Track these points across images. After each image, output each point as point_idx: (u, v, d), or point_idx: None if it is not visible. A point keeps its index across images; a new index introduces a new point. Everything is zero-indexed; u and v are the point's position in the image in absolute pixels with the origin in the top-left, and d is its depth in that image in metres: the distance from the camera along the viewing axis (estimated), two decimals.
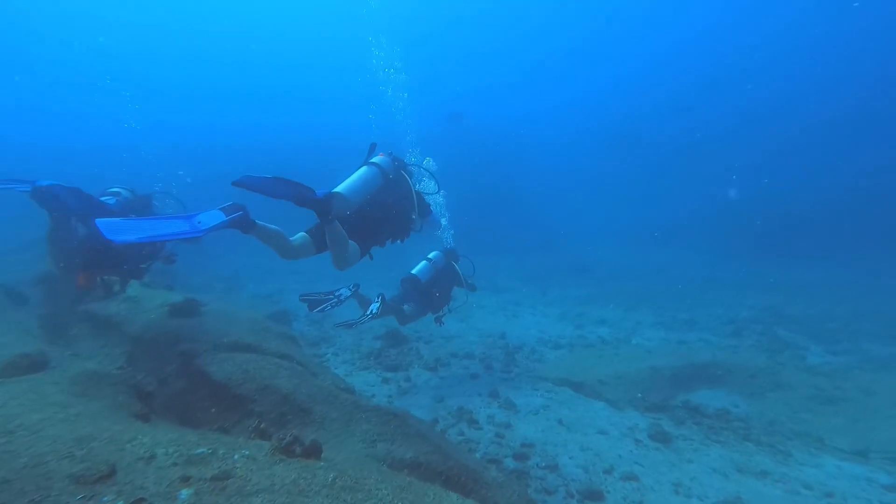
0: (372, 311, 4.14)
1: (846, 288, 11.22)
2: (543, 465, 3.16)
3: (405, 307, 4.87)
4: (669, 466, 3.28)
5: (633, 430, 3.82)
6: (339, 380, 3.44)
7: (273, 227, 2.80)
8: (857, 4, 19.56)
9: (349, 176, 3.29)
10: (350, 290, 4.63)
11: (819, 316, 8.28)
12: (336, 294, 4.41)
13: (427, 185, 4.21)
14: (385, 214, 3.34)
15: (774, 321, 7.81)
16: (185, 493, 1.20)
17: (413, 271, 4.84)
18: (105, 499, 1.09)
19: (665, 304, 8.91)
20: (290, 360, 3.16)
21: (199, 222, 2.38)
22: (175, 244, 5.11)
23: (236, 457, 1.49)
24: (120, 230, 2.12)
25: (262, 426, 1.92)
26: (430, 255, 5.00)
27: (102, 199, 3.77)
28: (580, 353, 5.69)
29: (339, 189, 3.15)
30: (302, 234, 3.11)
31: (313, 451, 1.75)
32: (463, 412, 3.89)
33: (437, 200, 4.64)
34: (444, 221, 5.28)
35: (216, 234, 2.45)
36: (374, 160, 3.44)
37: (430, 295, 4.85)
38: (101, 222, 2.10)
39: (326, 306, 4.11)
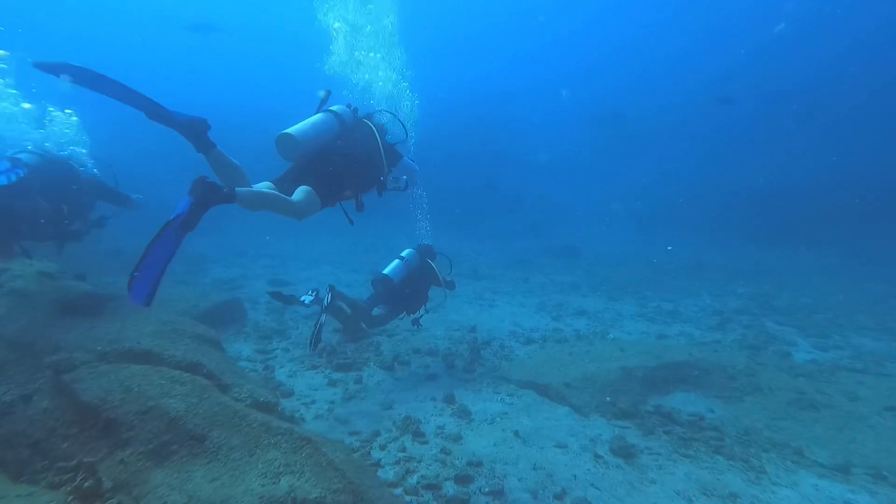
0: (304, 301, 3.95)
1: (840, 275, 10.95)
2: (487, 489, 2.81)
3: (374, 310, 4.50)
4: (629, 489, 2.95)
5: (595, 442, 3.48)
6: (263, 391, 3.05)
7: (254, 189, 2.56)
8: None
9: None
10: (311, 294, 4.29)
11: (810, 306, 7.98)
12: (299, 298, 4.17)
13: (395, 133, 3.82)
14: (346, 162, 3.04)
15: (762, 312, 7.49)
16: None
17: (384, 271, 4.50)
18: None
19: (650, 293, 8.57)
20: (196, 370, 2.75)
21: (176, 217, 2.07)
22: (110, 209, 4.72)
23: None
24: (141, 288, 2.01)
25: (86, 485, 1.52)
26: (404, 253, 4.69)
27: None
28: (551, 349, 5.33)
29: (288, 130, 2.87)
30: (266, 183, 2.81)
31: None
32: (409, 423, 3.53)
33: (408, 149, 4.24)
34: (422, 194, 4.95)
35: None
36: (329, 108, 3.21)
37: (403, 295, 4.54)
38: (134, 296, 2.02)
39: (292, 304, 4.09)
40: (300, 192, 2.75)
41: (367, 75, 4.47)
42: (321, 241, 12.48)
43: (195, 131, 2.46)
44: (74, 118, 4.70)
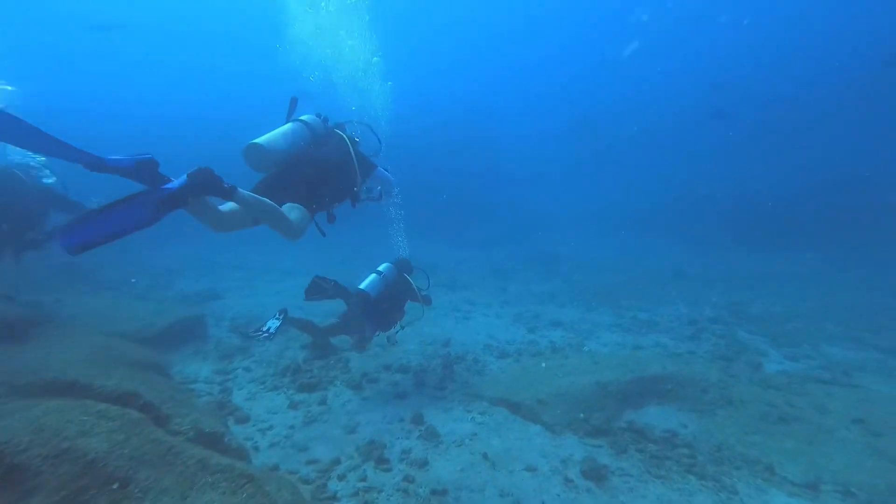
0: (269, 330, 3.69)
1: (814, 281, 11.20)
2: None
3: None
4: None
5: (567, 463, 3.36)
6: (210, 420, 2.83)
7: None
8: None
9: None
10: (278, 318, 4.02)
11: (782, 314, 8.10)
12: (264, 330, 3.81)
13: (368, 144, 3.77)
14: (319, 172, 2.98)
15: (736, 321, 7.56)
16: None
17: (361, 286, 4.32)
18: None
19: (628, 302, 8.58)
20: (130, 401, 2.51)
21: (162, 190, 1.88)
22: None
23: None
24: (78, 234, 1.70)
25: None
26: (380, 268, 4.57)
27: None
28: (526, 363, 5.22)
29: (257, 140, 2.79)
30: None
31: None
32: (373, 447, 3.34)
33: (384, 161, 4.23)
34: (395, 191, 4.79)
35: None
36: (299, 118, 3.16)
37: (380, 311, 4.38)
38: (64, 238, 1.70)
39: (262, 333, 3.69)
40: (289, 210, 2.65)
41: (328, 50, 4.25)
42: (295, 251, 12.15)
43: (145, 174, 2.06)
44: (9, 87, 4.34)
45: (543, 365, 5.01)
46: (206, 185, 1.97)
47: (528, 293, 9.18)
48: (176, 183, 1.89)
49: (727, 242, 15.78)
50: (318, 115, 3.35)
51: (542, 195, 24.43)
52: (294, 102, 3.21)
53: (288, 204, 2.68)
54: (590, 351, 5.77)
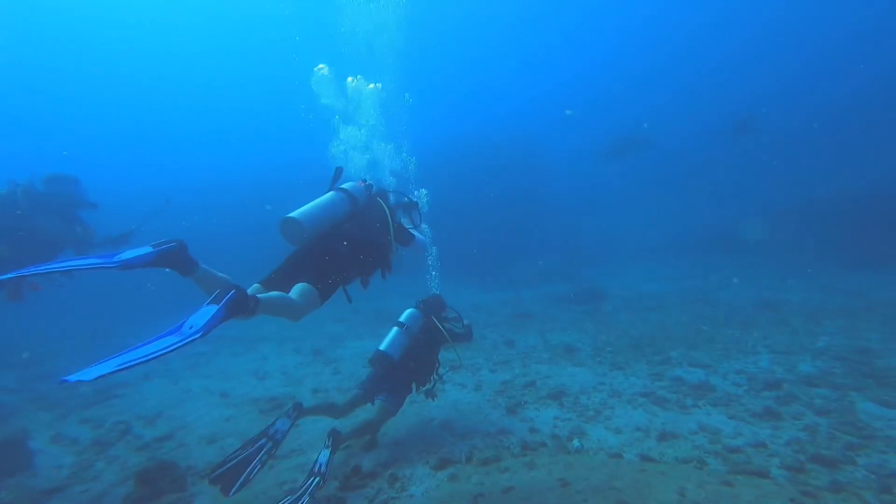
0: (320, 468, 3.07)
1: None
2: None
3: (377, 400, 3.82)
4: None
5: None
6: None
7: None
8: None
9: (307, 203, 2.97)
10: (290, 417, 3.40)
11: None
12: (270, 433, 3.19)
13: (408, 217, 3.86)
14: (353, 246, 2.90)
15: (854, 381, 4.84)
16: None
17: (381, 346, 3.84)
18: None
19: (679, 354, 6.21)
20: None
21: (190, 327, 1.79)
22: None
23: None
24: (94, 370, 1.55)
25: None
26: (403, 317, 4.03)
27: None
28: (464, 484, 3.41)
29: (293, 214, 2.79)
30: (255, 286, 2.66)
31: None
32: None
33: (422, 230, 4.18)
34: (433, 249, 4.71)
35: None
36: (341, 186, 3.17)
37: (407, 370, 3.92)
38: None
39: (256, 464, 2.96)
40: (298, 292, 2.54)
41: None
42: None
43: (176, 260, 2.23)
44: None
45: (481, 483, 3.19)
46: (239, 312, 1.96)
47: (540, 346, 7.20)
48: (203, 316, 1.78)
49: (845, 259, 11.93)
50: (363, 181, 3.33)
51: (597, 224, 21.89)
52: (339, 172, 3.22)
53: (300, 286, 2.56)
54: (578, 448, 3.76)
